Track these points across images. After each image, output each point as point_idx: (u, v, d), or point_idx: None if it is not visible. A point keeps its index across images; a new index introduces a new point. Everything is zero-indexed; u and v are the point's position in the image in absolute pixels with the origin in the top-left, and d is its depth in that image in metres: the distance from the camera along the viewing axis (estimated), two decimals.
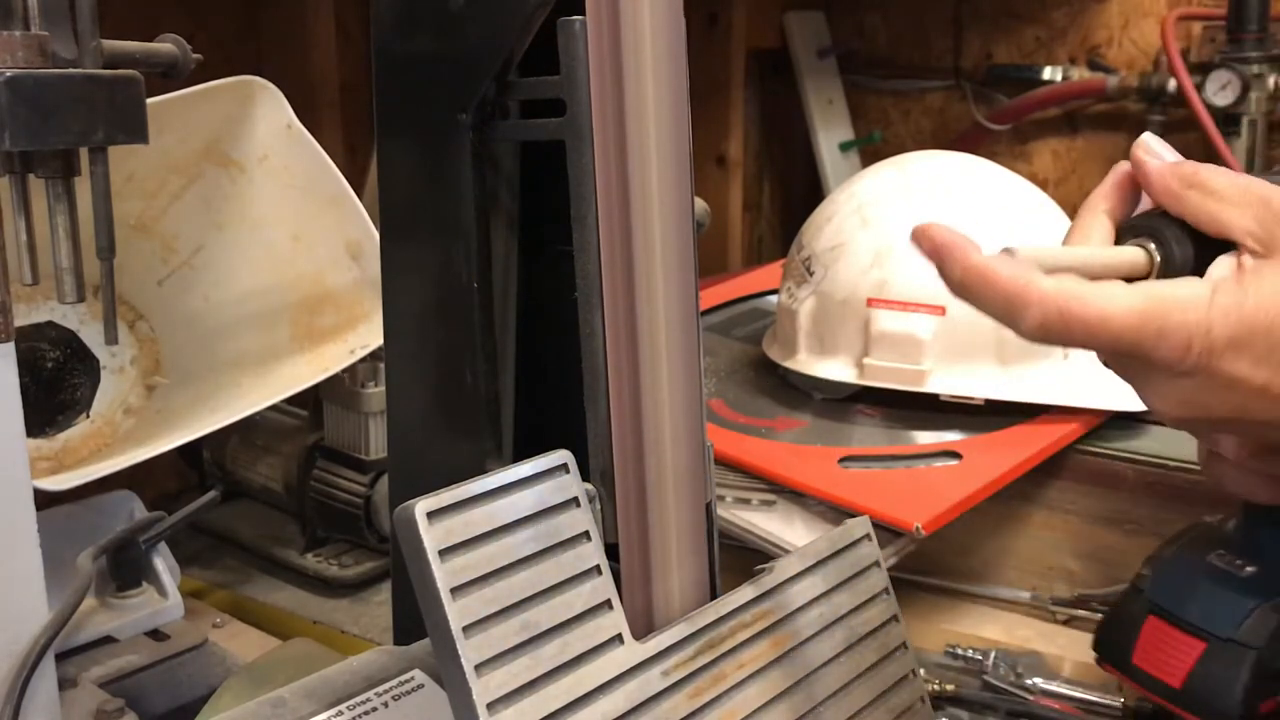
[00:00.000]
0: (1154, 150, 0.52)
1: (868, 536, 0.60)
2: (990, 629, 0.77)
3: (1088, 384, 0.91)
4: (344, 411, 0.91)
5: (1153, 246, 0.49)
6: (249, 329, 0.93)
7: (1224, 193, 0.48)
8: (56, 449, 0.86)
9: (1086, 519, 0.93)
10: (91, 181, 0.55)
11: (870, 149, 1.82)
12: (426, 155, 0.57)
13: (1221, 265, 0.48)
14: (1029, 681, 0.71)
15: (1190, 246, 0.49)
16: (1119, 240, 0.51)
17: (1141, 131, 0.59)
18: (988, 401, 0.91)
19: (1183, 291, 0.46)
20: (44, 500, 0.60)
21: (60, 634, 0.58)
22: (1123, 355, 0.48)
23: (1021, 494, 0.88)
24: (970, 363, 0.92)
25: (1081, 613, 0.78)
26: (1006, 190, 1.02)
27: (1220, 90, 1.43)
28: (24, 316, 0.83)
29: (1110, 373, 0.52)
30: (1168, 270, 0.49)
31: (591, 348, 0.51)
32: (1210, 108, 1.43)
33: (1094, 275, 0.47)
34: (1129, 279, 0.48)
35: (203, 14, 1.18)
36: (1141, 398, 0.51)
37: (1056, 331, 0.46)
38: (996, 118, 1.69)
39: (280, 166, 0.90)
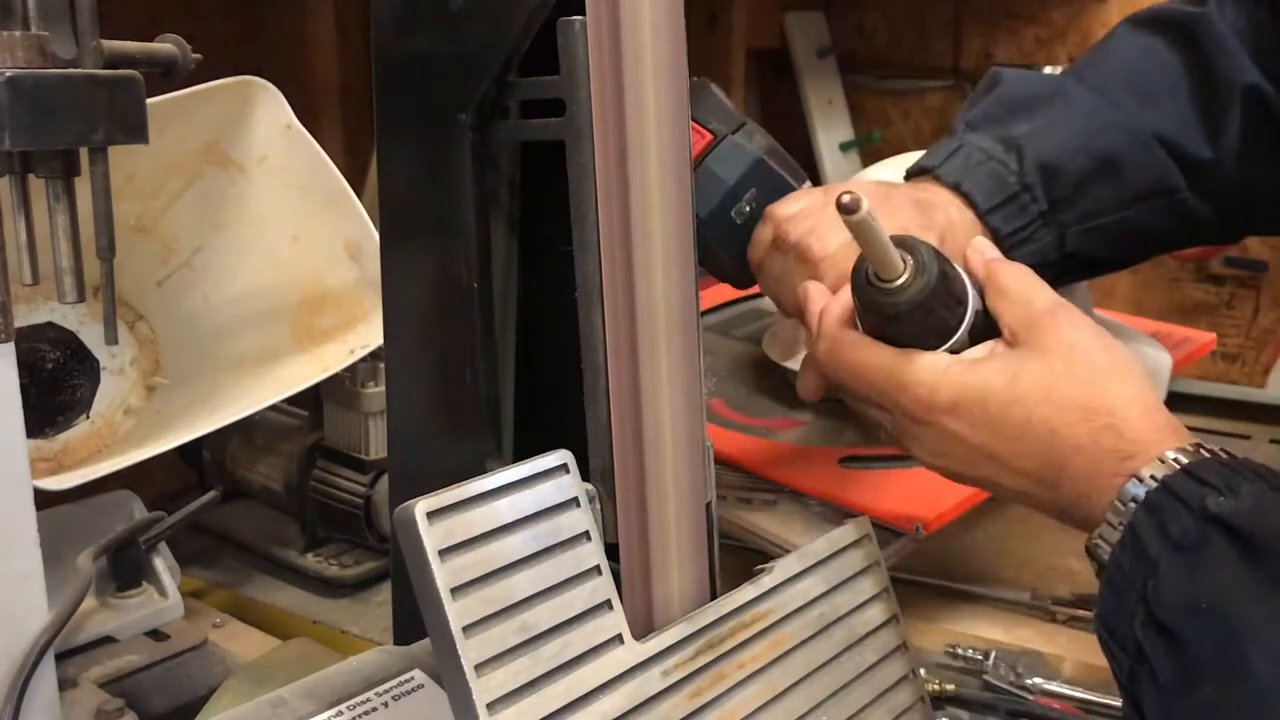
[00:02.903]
0: (978, 249, 0.61)
1: (868, 536, 0.60)
2: (990, 629, 0.77)
3: None
4: (344, 411, 0.91)
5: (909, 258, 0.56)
6: (249, 329, 0.93)
7: (1006, 290, 0.58)
8: (56, 449, 0.86)
9: None
10: (91, 181, 0.55)
11: (870, 149, 1.82)
12: (426, 155, 0.57)
13: (978, 348, 0.58)
14: (1029, 681, 0.71)
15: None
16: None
17: None
18: None
19: (925, 359, 0.57)
20: (44, 500, 0.60)
21: (60, 634, 0.58)
22: (879, 399, 0.59)
23: None
24: None
25: (1081, 613, 0.78)
26: None
27: None
28: (24, 317, 0.83)
29: None
30: (918, 270, 0.56)
31: (591, 347, 0.51)
32: None
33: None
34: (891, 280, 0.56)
35: (203, 14, 1.18)
36: (903, 446, 0.61)
37: (829, 366, 0.61)
38: None
39: (280, 167, 0.90)
